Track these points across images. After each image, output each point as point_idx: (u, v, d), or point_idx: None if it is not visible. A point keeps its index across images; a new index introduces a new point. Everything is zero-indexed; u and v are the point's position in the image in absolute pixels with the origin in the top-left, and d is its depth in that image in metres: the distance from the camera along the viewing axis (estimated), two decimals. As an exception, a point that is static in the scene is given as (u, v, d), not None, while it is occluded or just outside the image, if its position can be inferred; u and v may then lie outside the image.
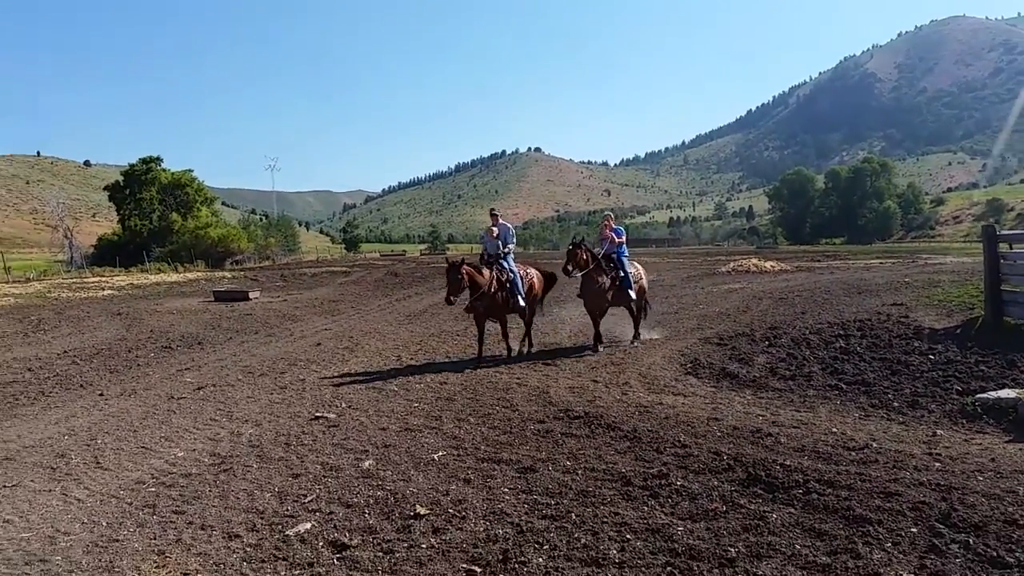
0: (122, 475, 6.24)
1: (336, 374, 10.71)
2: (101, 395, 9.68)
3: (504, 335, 11.74)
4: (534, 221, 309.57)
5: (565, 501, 5.15)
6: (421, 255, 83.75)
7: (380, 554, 4.40)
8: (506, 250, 11.66)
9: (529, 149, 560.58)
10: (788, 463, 5.60)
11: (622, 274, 12.11)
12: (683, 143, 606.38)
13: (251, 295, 24.21)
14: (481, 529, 4.70)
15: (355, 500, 5.37)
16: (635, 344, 12.29)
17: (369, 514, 5.08)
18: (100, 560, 4.53)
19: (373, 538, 4.65)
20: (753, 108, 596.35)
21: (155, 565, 4.43)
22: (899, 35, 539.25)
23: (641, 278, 12.89)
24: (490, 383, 9.47)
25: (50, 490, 5.88)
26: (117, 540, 4.85)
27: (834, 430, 6.63)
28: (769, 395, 8.48)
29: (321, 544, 4.60)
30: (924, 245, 66.03)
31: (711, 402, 8.15)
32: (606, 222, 12.59)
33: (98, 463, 6.59)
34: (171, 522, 5.10)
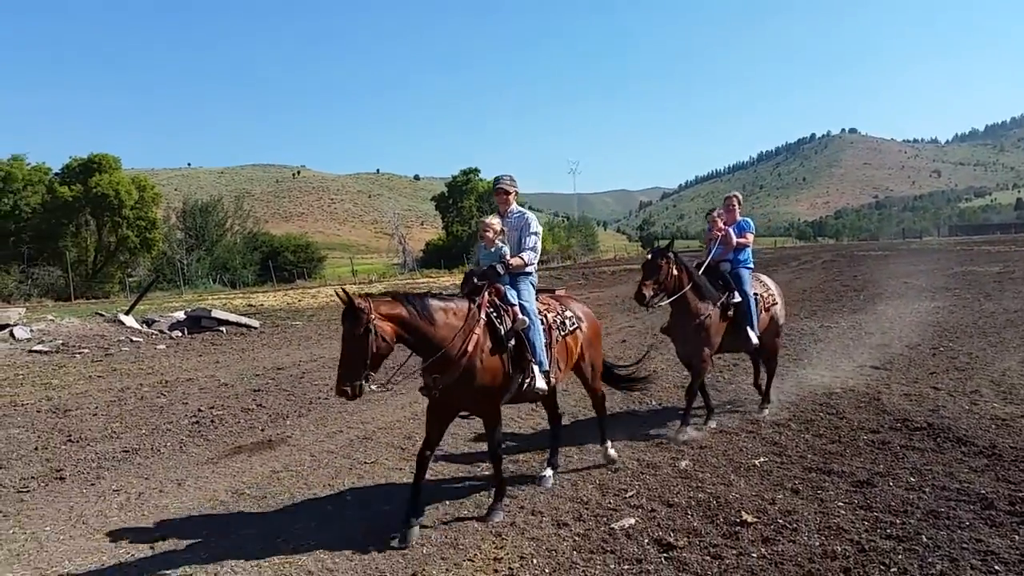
0: (459, 457, 6.86)
1: (645, 371, 10.72)
2: (437, 384, 10.71)
3: (493, 454, 5.41)
4: (848, 209, 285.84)
5: (912, 521, 4.65)
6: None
7: (708, 558, 4.32)
8: (516, 262, 5.77)
9: (842, 131, 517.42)
10: None
11: (736, 298, 7.59)
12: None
13: (557, 293, 25.35)
14: (816, 543, 4.42)
15: (676, 500, 5.35)
16: (764, 412, 7.83)
17: (692, 516, 5.03)
18: (447, 536, 4.97)
19: (699, 541, 4.59)
20: None
21: (494, 546, 4.78)
22: None
23: (774, 304, 8.19)
24: (809, 387, 8.87)
25: (400, 468, 6.62)
26: (460, 519, 5.32)
27: None
28: None
29: (647, 541, 4.65)
30: None
31: (1092, 418, 6.84)
32: (728, 206, 8.17)
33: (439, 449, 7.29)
34: (505, 505, 5.47)
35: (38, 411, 9.38)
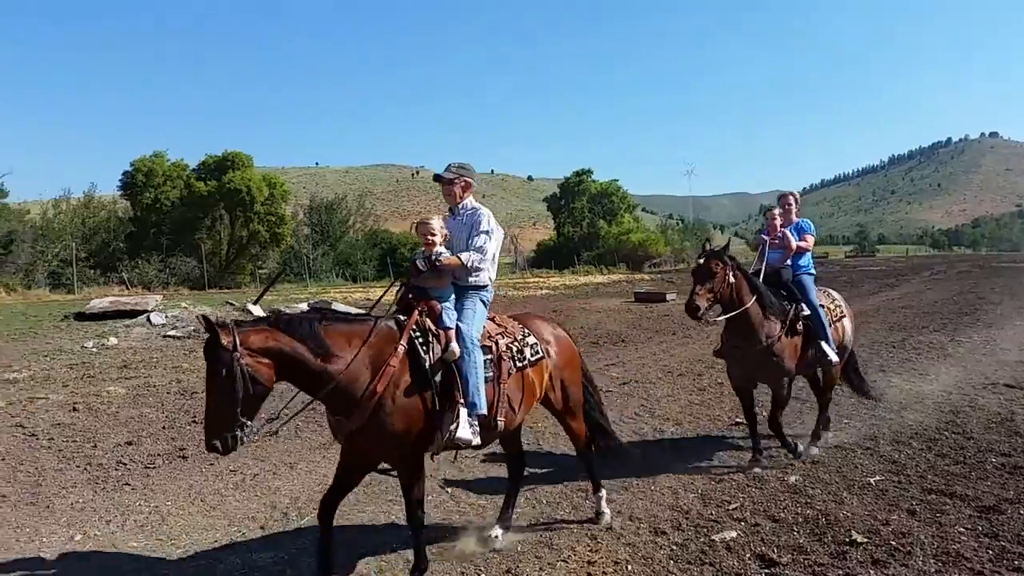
0: (557, 461, 6.82)
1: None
2: (541, 384, 10.75)
3: (412, 519, 4.31)
4: (987, 218, 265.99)
5: (1044, 555, 4.29)
6: (846, 257, 78.10)
7: (812, 578, 4.15)
8: (450, 260, 4.49)
9: (982, 135, 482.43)
10: None
11: (805, 311, 6.56)
12: None
13: (668, 297, 24.88)
14: (932, 570, 4.16)
15: (782, 515, 5.16)
16: (812, 451, 6.63)
17: (798, 532, 4.83)
18: (541, 536, 4.99)
19: (804, 559, 4.40)
20: None
21: (588, 549, 4.75)
22: None
23: (842, 316, 7.18)
24: (934, 404, 8.33)
25: (501, 463, 6.63)
26: (556, 519, 5.33)
27: None
28: None
29: (748, 556, 4.51)
30: None
31: None
32: (784, 205, 7.03)
33: (538, 447, 7.30)
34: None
35: (168, 392, 10.03)
